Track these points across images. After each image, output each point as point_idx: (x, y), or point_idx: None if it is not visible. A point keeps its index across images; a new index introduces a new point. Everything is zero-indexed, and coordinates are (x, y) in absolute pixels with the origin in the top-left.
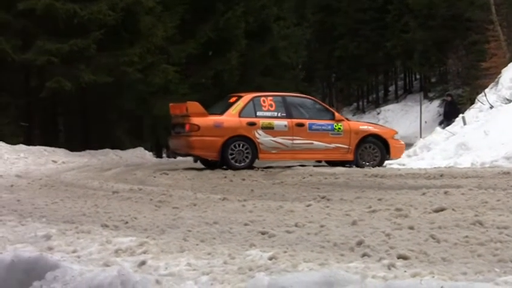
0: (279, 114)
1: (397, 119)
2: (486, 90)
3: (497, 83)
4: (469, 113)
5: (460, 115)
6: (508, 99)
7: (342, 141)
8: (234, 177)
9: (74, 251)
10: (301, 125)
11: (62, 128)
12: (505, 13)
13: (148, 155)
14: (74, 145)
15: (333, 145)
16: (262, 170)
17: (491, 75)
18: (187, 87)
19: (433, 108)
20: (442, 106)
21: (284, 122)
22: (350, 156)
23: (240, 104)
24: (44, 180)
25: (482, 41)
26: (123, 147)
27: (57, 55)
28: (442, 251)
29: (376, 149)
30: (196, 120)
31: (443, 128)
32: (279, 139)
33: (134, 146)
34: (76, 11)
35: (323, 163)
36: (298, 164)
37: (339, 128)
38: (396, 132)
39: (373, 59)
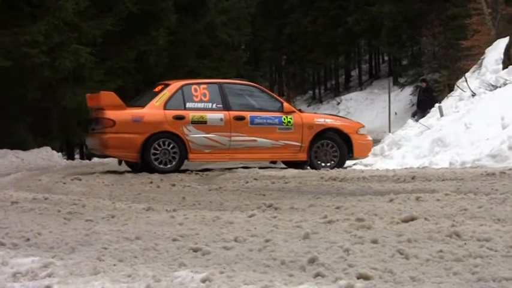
0: (214, 106)
1: (361, 109)
2: (467, 74)
3: (480, 65)
4: (447, 102)
5: (436, 105)
6: (493, 85)
7: (292, 137)
8: (161, 183)
9: None
10: (241, 118)
11: None
12: None
13: (57, 157)
14: None
15: (281, 142)
16: (196, 174)
17: (474, 56)
18: (104, 73)
19: (404, 96)
20: (415, 94)
21: (220, 115)
22: (303, 156)
23: (166, 93)
24: None
25: (462, 15)
26: (25, 147)
27: None
28: (412, 269)
29: (334, 146)
30: (110, 114)
31: (417, 120)
32: (213, 136)
33: (39, 146)
34: None
35: (277, 164)
36: (241, 165)
37: (289, 122)
38: (362, 126)
39: (332, 38)
